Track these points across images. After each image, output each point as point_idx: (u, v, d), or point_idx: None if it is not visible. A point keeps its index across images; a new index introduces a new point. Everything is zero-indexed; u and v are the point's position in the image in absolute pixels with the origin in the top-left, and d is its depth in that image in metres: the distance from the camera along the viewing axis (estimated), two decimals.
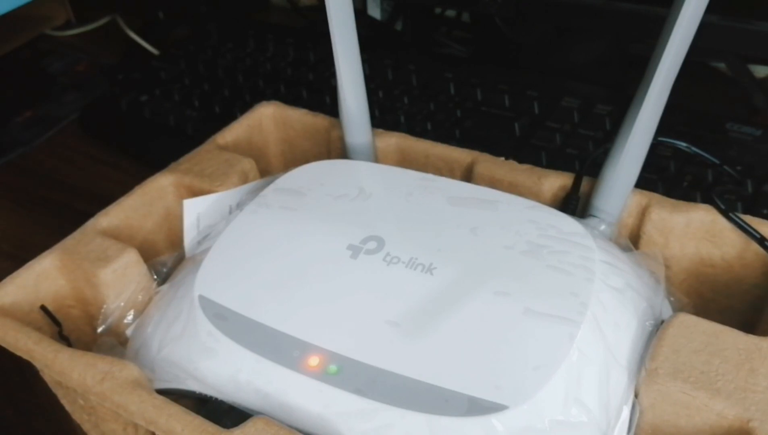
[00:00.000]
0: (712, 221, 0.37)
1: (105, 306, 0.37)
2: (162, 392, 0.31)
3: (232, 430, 0.29)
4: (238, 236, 0.38)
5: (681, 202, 0.38)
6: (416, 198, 0.38)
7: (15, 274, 0.37)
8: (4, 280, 0.37)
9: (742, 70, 0.60)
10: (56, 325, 0.38)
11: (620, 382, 0.30)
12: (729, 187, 0.45)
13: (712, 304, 0.40)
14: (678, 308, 0.37)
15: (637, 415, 0.31)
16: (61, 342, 0.34)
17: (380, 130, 0.45)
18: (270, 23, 0.77)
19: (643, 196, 0.38)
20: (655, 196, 0.38)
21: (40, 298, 0.38)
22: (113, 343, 0.37)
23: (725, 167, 0.45)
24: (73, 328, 0.39)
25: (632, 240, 0.39)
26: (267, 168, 0.50)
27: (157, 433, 0.30)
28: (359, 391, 0.29)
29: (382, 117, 0.57)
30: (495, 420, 0.28)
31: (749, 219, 0.37)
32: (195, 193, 0.42)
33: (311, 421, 0.30)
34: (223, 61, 0.68)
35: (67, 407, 0.38)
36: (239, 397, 0.31)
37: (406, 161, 0.45)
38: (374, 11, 0.78)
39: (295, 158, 0.50)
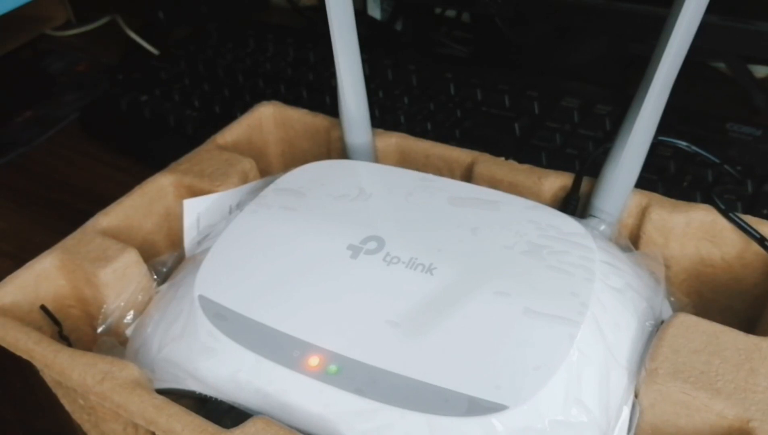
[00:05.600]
0: (712, 221, 0.37)
1: (105, 306, 0.37)
2: (162, 392, 0.31)
3: (232, 430, 0.29)
4: (238, 236, 0.38)
5: (681, 202, 0.38)
6: (416, 198, 0.38)
7: (15, 274, 0.37)
8: (4, 280, 0.37)
9: (742, 70, 0.60)
10: (56, 325, 0.38)
11: (620, 382, 0.31)
12: (729, 187, 0.45)
13: (712, 304, 0.40)
14: (678, 308, 0.37)
15: (637, 415, 0.31)
16: (61, 342, 0.34)
17: (380, 130, 0.45)
18: (270, 23, 0.77)
19: (643, 196, 0.38)
20: (655, 196, 0.38)
21: (40, 298, 0.38)
22: (113, 343, 0.37)
23: (726, 166, 0.45)
24: (73, 328, 0.39)
25: (632, 240, 0.39)
26: (267, 168, 0.50)
27: (157, 433, 0.30)
28: (359, 391, 0.29)
29: (382, 117, 0.57)
30: (495, 420, 0.28)
31: (749, 219, 0.37)
32: (195, 193, 0.42)
33: (311, 421, 0.30)
34: (223, 61, 0.68)
35: (67, 407, 0.38)
36: (239, 397, 0.31)
37: (406, 161, 0.45)
38: (374, 11, 0.78)
39: (295, 158, 0.50)
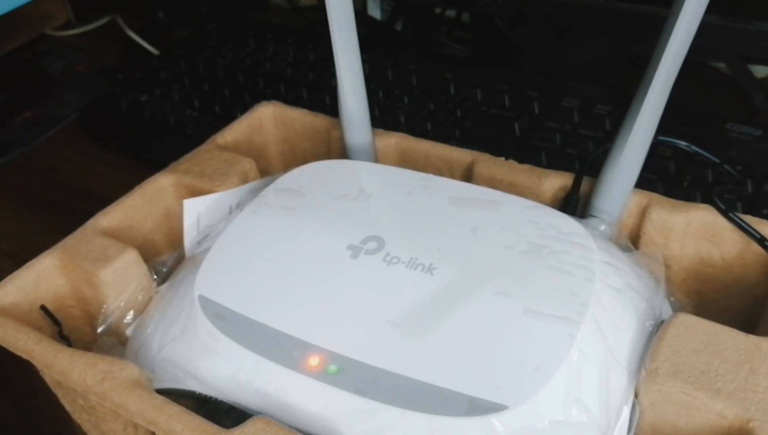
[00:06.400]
0: (712, 221, 0.37)
1: (105, 306, 0.37)
2: (162, 392, 0.31)
3: (232, 430, 0.29)
4: (238, 236, 0.38)
5: (681, 202, 0.38)
6: (416, 198, 0.38)
7: (15, 274, 0.37)
8: (4, 280, 0.37)
9: (742, 70, 0.60)
10: (56, 325, 0.38)
11: (620, 382, 0.31)
12: (729, 187, 0.45)
13: (712, 304, 0.40)
14: (678, 308, 0.37)
15: (637, 415, 0.31)
16: (61, 342, 0.34)
17: (380, 130, 0.45)
18: (270, 23, 0.77)
19: (643, 196, 0.38)
20: (655, 196, 0.38)
21: (40, 298, 0.38)
22: (113, 343, 0.37)
23: (726, 166, 0.45)
24: (73, 328, 0.39)
25: (632, 240, 0.39)
26: (267, 168, 0.50)
27: (157, 433, 0.30)
28: (359, 391, 0.29)
29: (382, 117, 0.57)
30: (495, 420, 0.28)
31: (749, 219, 0.37)
32: (195, 193, 0.42)
33: (311, 421, 0.30)
34: (223, 61, 0.68)
35: (67, 407, 0.38)
36: (239, 397, 0.31)
37: (406, 161, 0.45)
38: (374, 11, 0.78)
39: (295, 158, 0.50)
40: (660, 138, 0.40)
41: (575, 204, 0.39)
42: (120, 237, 0.40)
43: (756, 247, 0.37)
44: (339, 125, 0.44)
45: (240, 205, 0.41)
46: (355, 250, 0.35)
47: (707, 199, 0.38)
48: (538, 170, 0.41)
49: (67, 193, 0.60)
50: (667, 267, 0.38)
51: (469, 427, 0.28)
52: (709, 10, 0.32)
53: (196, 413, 0.29)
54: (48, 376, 0.37)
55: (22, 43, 0.80)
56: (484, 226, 0.36)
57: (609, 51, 0.63)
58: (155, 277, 0.40)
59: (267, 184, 0.41)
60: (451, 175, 0.43)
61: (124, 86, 0.67)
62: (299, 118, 0.48)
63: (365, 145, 0.44)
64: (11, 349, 0.34)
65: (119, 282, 0.37)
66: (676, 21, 0.32)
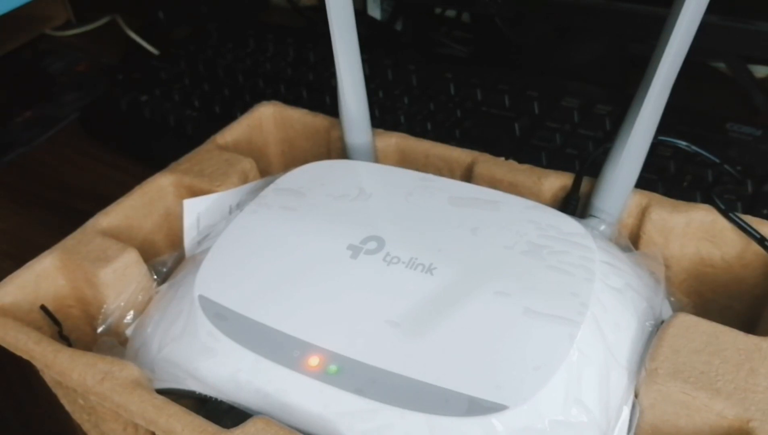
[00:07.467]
0: (712, 221, 0.37)
1: (105, 306, 0.37)
2: (162, 392, 0.31)
3: (232, 430, 0.29)
4: (238, 236, 0.38)
5: (681, 202, 0.38)
6: (416, 198, 0.38)
7: (15, 274, 0.37)
8: (4, 280, 0.37)
9: (742, 70, 0.60)
10: (56, 325, 0.38)
11: (620, 382, 0.31)
12: (729, 187, 0.45)
13: (712, 304, 0.40)
14: (678, 308, 0.37)
15: (637, 415, 0.31)
16: (61, 342, 0.34)
17: (380, 130, 0.45)
18: (270, 23, 0.77)
19: (643, 196, 0.38)
20: (655, 196, 0.38)
21: (40, 298, 0.38)
22: (113, 343, 0.37)
23: (726, 166, 0.45)
24: (73, 328, 0.39)
25: (632, 240, 0.39)
26: (267, 168, 0.50)
27: (157, 433, 0.30)
28: (359, 391, 0.29)
29: (382, 117, 0.57)
30: (495, 420, 0.28)
31: (749, 219, 0.37)
32: (195, 193, 0.42)
33: (311, 421, 0.30)
34: (223, 61, 0.68)
35: (67, 407, 0.38)
36: (239, 397, 0.31)
37: (406, 161, 0.45)
38: (374, 11, 0.78)
39: (295, 158, 0.50)
40: (660, 138, 0.40)
41: (575, 204, 0.39)
42: (120, 237, 0.40)
43: (756, 247, 0.37)
44: (339, 125, 0.44)
45: (240, 205, 0.42)
46: (355, 250, 0.35)
47: (707, 199, 0.38)
48: (538, 170, 0.41)
49: (67, 193, 0.60)
50: (667, 267, 0.38)
51: (469, 427, 0.28)
52: (709, 10, 0.32)
53: (196, 413, 0.29)
54: (48, 376, 0.37)
55: (22, 43, 0.80)
56: (484, 226, 0.36)
57: (609, 51, 0.63)
58: (155, 277, 0.40)
59: (267, 184, 0.41)
60: (451, 175, 0.43)
61: (124, 86, 0.67)
62: (299, 118, 0.48)
63: (365, 145, 0.44)
64: (11, 349, 0.34)
65: (119, 282, 0.37)
66: (676, 21, 0.32)
